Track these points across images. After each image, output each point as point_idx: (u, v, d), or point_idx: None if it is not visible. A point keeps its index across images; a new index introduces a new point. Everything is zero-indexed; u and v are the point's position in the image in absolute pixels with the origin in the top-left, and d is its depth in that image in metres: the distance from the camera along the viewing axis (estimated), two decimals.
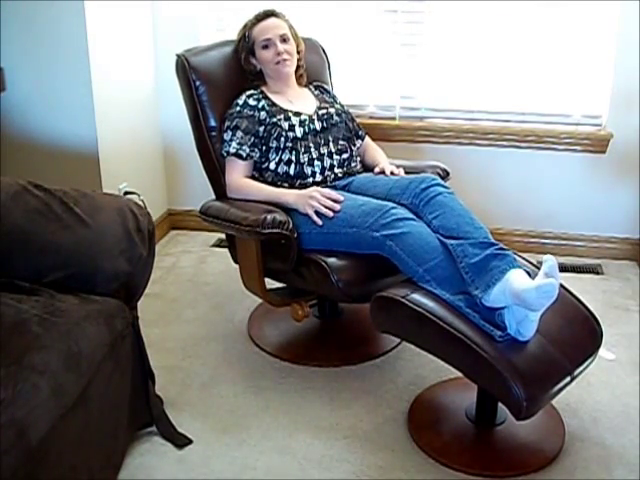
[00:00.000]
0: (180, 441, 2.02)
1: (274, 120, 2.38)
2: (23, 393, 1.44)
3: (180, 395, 2.24)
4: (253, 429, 2.10)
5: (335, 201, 2.21)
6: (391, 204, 2.14)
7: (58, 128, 2.80)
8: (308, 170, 2.36)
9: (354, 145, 2.53)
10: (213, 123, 2.43)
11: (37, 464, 1.47)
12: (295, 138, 2.37)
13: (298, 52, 2.52)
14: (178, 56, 2.45)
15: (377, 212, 2.11)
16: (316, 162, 2.38)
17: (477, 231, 2.03)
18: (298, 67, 2.53)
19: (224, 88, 2.47)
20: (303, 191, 2.27)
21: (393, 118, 3.20)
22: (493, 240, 2.01)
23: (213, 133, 2.43)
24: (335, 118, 2.49)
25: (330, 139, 2.44)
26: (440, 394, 2.26)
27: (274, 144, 2.37)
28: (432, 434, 2.08)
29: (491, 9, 3.01)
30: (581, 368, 1.90)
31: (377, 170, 2.43)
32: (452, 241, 2.01)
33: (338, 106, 2.56)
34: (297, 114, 2.42)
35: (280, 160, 2.37)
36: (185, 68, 2.42)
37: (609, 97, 3.01)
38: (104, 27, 2.78)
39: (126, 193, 2.85)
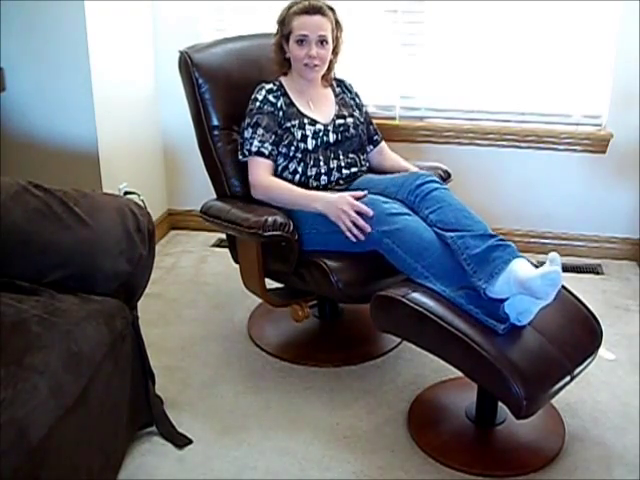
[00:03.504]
0: (180, 441, 2.02)
1: (288, 125, 2.31)
2: (23, 393, 1.44)
3: (180, 395, 2.24)
4: (253, 429, 2.10)
5: (366, 215, 2.11)
6: (384, 199, 2.14)
7: (58, 128, 2.80)
8: (313, 184, 2.33)
9: (364, 156, 2.47)
10: (215, 122, 2.40)
11: (37, 464, 1.47)
12: (305, 150, 2.31)
13: (335, 53, 2.38)
14: (181, 53, 2.41)
15: (370, 206, 2.10)
16: (322, 177, 2.34)
17: (476, 224, 2.03)
18: (329, 68, 2.41)
19: (227, 86, 2.44)
20: (333, 198, 2.17)
21: (393, 118, 3.20)
22: (493, 232, 2.01)
23: (215, 132, 2.41)
24: (351, 131, 2.40)
25: (341, 152, 2.37)
26: (440, 394, 2.26)
27: (283, 150, 2.32)
28: (432, 434, 2.09)
29: (491, 9, 3.01)
30: (581, 368, 1.90)
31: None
32: (452, 233, 2.00)
33: (357, 113, 2.47)
34: (312, 122, 2.34)
35: (286, 168, 2.33)
36: (188, 65, 2.38)
37: (609, 97, 3.01)
38: (104, 27, 2.78)
39: (126, 193, 2.85)
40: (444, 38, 3.08)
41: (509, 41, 3.03)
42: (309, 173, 2.32)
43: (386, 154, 2.58)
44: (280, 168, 2.34)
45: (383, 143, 2.59)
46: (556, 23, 2.97)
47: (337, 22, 2.36)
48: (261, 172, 2.30)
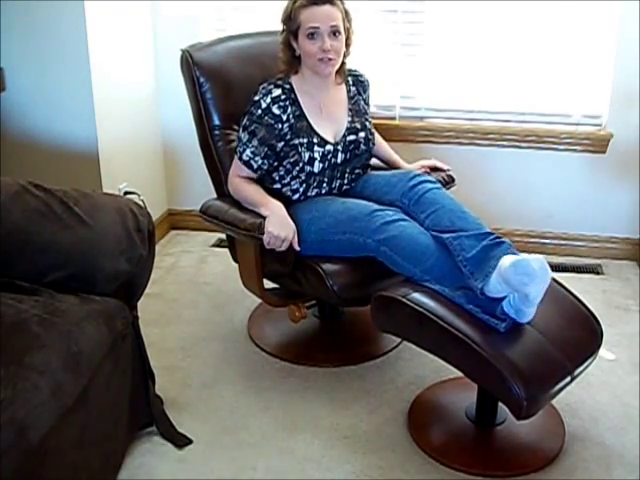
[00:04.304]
0: (180, 441, 2.02)
1: (295, 142, 2.22)
2: (23, 393, 1.45)
3: (180, 395, 2.24)
4: (253, 429, 2.10)
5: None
6: (376, 206, 2.13)
7: (58, 128, 2.80)
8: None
9: (368, 169, 2.44)
10: (216, 122, 2.39)
11: (37, 464, 1.47)
12: (311, 173, 2.25)
13: (347, 45, 2.26)
14: (183, 51, 2.39)
15: (364, 216, 2.10)
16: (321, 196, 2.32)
17: (471, 223, 2.03)
18: (342, 62, 2.28)
19: (229, 85, 2.42)
20: (281, 220, 2.12)
21: (393, 118, 3.20)
22: (488, 230, 2.02)
23: (216, 132, 2.40)
24: (362, 147, 2.32)
25: (347, 171, 2.32)
26: (440, 394, 2.26)
27: (287, 166, 2.25)
28: (432, 434, 2.09)
29: (491, 9, 3.00)
30: (581, 368, 1.90)
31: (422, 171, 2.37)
32: (448, 235, 2.00)
33: (369, 122, 2.38)
34: (322, 143, 2.24)
35: (288, 184, 2.29)
36: (189, 64, 2.36)
37: (609, 97, 3.01)
38: (104, 27, 2.78)
39: (126, 193, 2.85)
40: (444, 38, 3.08)
41: (509, 41, 3.03)
42: (309, 193, 2.30)
43: (379, 146, 2.53)
44: (281, 184, 2.30)
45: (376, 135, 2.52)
46: (556, 23, 2.97)
47: (346, 11, 2.25)
48: (239, 176, 2.26)
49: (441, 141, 3.15)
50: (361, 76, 2.46)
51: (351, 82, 2.41)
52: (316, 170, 2.25)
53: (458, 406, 2.15)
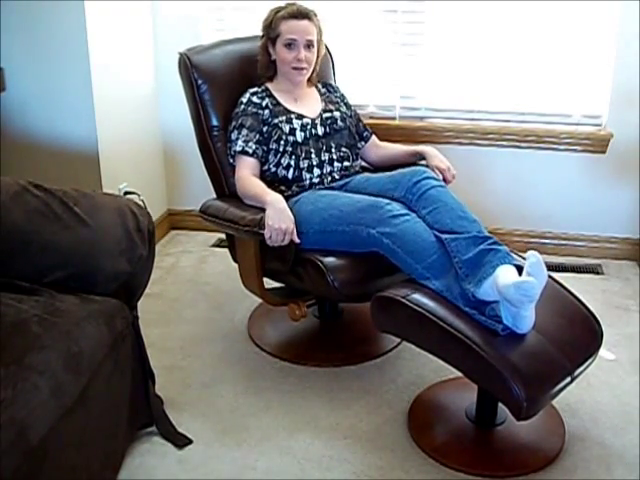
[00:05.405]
0: (180, 441, 2.02)
1: (275, 121, 2.35)
2: (23, 393, 1.45)
3: (180, 395, 2.24)
4: (253, 429, 2.10)
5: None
6: (385, 200, 2.15)
7: (58, 128, 2.80)
8: (307, 176, 2.35)
9: (357, 151, 2.52)
10: (215, 122, 2.42)
11: (37, 464, 1.47)
12: (295, 142, 2.35)
13: (318, 56, 2.46)
14: (181, 54, 2.43)
15: (372, 208, 2.12)
16: (315, 169, 2.36)
17: (470, 225, 2.04)
18: (312, 70, 2.47)
19: (226, 87, 2.46)
20: (281, 211, 2.13)
21: (393, 118, 3.20)
22: (487, 234, 2.02)
23: (215, 132, 2.42)
24: (339, 124, 2.45)
25: (332, 145, 2.41)
26: (440, 394, 2.26)
27: (274, 146, 2.35)
28: (432, 434, 2.09)
29: (491, 9, 3.01)
30: (581, 368, 1.90)
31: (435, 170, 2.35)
32: (446, 235, 2.02)
33: (344, 109, 2.53)
34: (299, 117, 2.39)
35: (279, 164, 2.36)
36: (187, 67, 2.40)
37: (609, 97, 3.01)
38: (104, 27, 2.78)
39: (126, 193, 2.85)
40: (444, 38, 3.08)
41: (509, 41, 3.03)
42: (301, 165, 2.34)
43: (382, 145, 2.63)
44: (273, 165, 2.36)
45: (374, 137, 2.63)
46: (556, 23, 2.97)
47: (319, 27, 2.43)
48: (243, 170, 2.33)
49: (441, 141, 3.15)
50: (328, 81, 2.66)
51: (320, 86, 2.59)
52: (299, 139, 2.35)
53: (458, 406, 2.15)
